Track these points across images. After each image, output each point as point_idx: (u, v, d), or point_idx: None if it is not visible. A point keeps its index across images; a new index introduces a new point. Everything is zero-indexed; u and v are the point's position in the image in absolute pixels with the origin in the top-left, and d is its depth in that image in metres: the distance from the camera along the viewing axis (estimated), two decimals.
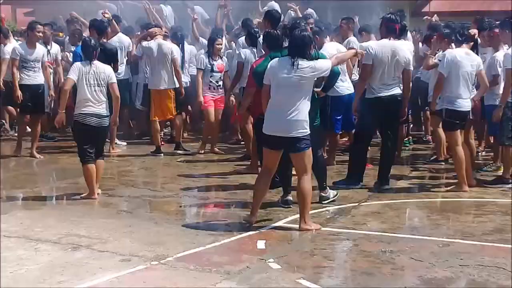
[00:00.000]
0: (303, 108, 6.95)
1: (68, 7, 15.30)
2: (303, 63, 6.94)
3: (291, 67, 6.94)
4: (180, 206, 8.36)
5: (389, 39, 8.97)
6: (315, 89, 7.40)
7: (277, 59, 7.21)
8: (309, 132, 7.01)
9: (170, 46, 11.65)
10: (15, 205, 8.42)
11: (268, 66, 7.20)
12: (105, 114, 8.42)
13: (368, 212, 7.98)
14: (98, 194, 8.55)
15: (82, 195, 8.55)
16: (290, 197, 8.05)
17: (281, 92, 6.98)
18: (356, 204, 8.28)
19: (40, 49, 11.68)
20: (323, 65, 7.08)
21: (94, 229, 7.13)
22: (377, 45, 9.01)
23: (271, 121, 7.06)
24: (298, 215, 7.16)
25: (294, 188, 7.59)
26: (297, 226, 7.09)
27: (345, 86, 10.20)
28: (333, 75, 7.60)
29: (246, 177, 9.60)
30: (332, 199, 8.24)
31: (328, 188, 8.30)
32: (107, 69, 8.48)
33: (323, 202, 8.15)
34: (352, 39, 11.46)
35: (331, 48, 9.86)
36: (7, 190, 9.08)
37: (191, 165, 10.78)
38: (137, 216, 7.75)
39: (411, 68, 9.25)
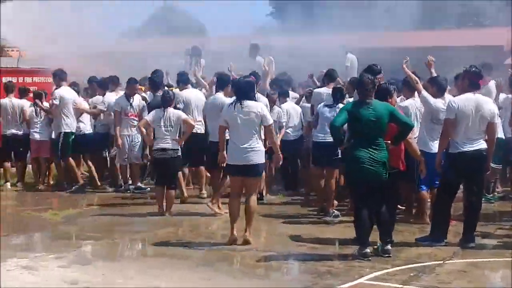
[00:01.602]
0: None
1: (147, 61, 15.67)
2: None
3: None
4: (258, 261, 8.24)
5: (474, 94, 8.77)
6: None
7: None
8: None
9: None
10: (95, 255, 8.49)
11: None
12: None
13: (453, 270, 7.72)
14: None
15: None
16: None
17: None
18: (441, 262, 8.02)
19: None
20: None
21: (174, 282, 7.11)
22: (460, 100, 8.80)
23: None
24: (381, 271, 7.07)
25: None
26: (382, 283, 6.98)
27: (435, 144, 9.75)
28: (407, 128, 8.09)
29: (326, 232, 9.47)
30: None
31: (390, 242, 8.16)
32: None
33: (384, 255, 8.05)
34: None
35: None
36: (86, 239, 9.20)
37: (270, 219, 10.67)
38: (217, 270, 7.69)
39: (497, 121, 9.03)
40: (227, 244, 8.74)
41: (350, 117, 8.01)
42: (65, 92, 13.10)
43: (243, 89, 8.89)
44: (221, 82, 11.06)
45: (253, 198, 8.87)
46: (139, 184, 12.98)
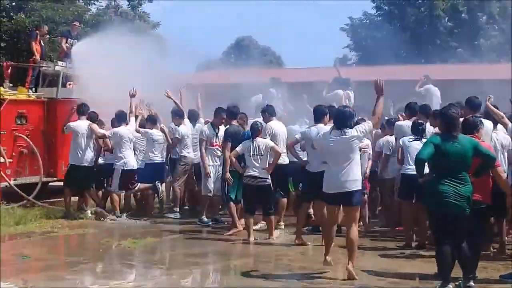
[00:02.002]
0: None
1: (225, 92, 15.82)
2: None
3: None
4: None
5: None
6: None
7: None
8: None
9: None
10: (173, 284, 8.50)
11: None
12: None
13: None
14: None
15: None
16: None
17: None
18: None
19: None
20: None
21: None
22: None
23: None
24: None
25: None
26: None
27: None
28: (489, 161, 8.03)
29: (405, 266, 9.27)
30: None
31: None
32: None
33: None
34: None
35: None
36: (163, 268, 9.22)
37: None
38: None
39: None
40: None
41: (435, 151, 7.87)
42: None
43: (342, 117, 8.82)
44: (319, 113, 11.03)
45: (354, 229, 8.68)
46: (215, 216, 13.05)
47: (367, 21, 42.89)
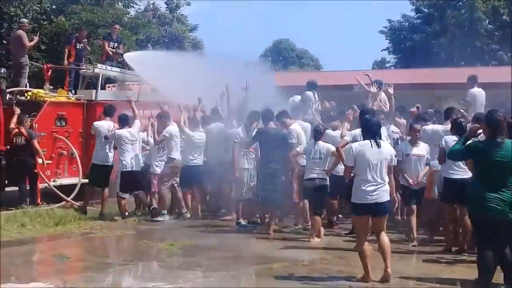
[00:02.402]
0: None
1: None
2: None
3: None
4: None
5: None
6: None
7: None
8: None
9: None
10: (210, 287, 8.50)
11: None
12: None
13: None
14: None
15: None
16: None
17: None
18: None
19: None
20: None
21: None
22: None
23: None
24: None
25: None
26: None
27: None
28: None
29: (446, 271, 9.13)
30: None
31: None
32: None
33: None
34: None
35: None
36: (201, 271, 9.22)
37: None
38: None
39: None
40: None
41: (479, 156, 7.80)
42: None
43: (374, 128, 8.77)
44: None
45: (383, 234, 8.70)
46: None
47: (407, 23, 42.54)
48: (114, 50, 17.84)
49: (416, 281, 8.75)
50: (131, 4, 28.39)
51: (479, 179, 7.84)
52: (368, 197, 8.48)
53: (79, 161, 15.06)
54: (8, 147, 14.14)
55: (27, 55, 16.79)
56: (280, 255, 10.16)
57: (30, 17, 22.33)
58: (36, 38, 17.73)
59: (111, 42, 17.99)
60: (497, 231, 7.72)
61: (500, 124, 7.84)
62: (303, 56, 54.86)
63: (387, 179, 8.57)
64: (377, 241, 8.68)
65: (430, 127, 11.99)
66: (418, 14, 42.02)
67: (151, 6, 34.54)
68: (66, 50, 17.45)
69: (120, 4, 27.66)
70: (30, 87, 16.31)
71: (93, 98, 16.01)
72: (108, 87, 17.74)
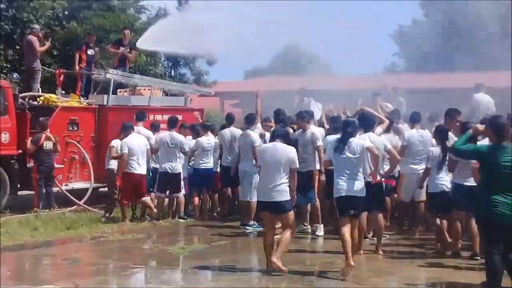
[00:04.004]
0: None
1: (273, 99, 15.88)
2: None
3: None
4: None
5: None
6: None
7: None
8: None
9: None
10: None
11: None
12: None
13: None
14: None
15: None
16: None
17: None
18: None
19: None
20: None
21: None
22: None
23: None
24: None
25: None
26: None
27: None
28: None
29: (454, 275, 9.18)
30: None
31: None
32: None
33: None
34: None
35: None
36: (210, 274, 9.30)
37: (394, 260, 10.45)
38: None
39: None
40: None
41: (486, 161, 7.86)
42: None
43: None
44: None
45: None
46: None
47: (416, 29, 42.51)
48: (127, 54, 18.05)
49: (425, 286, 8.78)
50: (143, 10, 28.54)
51: (485, 183, 7.89)
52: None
53: (91, 165, 15.18)
54: (20, 151, 14.30)
55: (39, 60, 16.93)
56: (292, 259, 10.15)
57: (42, 23, 22.46)
58: (47, 44, 17.89)
59: (121, 47, 18.15)
60: (504, 235, 7.77)
61: (505, 129, 7.88)
62: (314, 61, 54.77)
63: None
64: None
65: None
66: (427, 19, 41.92)
67: (162, 11, 34.68)
68: (77, 55, 17.61)
69: (131, 9, 27.81)
70: (42, 92, 16.45)
71: (105, 103, 16.12)
72: (120, 92, 17.88)
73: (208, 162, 14.03)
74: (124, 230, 12.69)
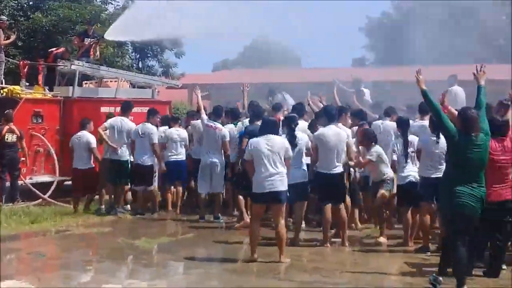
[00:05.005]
0: None
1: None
2: None
3: None
4: None
5: None
6: None
7: None
8: None
9: None
10: (187, 284, 8.44)
11: None
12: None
13: None
14: None
15: None
16: None
17: None
18: None
19: None
20: None
21: None
22: None
23: None
24: None
25: None
26: None
27: None
28: None
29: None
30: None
31: None
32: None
33: None
34: None
35: None
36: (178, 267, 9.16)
37: (362, 254, 10.40)
38: None
39: None
40: None
41: (455, 148, 7.83)
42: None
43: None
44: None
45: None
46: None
47: (386, 21, 42.71)
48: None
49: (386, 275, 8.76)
50: (109, 1, 28.21)
51: (452, 174, 7.91)
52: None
53: (56, 158, 14.94)
54: None
55: (3, 52, 16.62)
56: (259, 251, 10.09)
57: (7, 13, 22.11)
58: (13, 37, 17.57)
59: (86, 39, 17.92)
60: (469, 226, 7.82)
61: (474, 121, 7.87)
62: (284, 53, 54.84)
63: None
64: None
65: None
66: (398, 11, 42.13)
67: (130, 3, 34.36)
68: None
69: (98, 0, 27.49)
70: (6, 83, 16.16)
71: (70, 95, 15.87)
72: (85, 84, 17.64)
73: (179, 154, 13.87)
74: (89, 223, 12.51)
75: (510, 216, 8.73)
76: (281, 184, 9.39)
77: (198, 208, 13.36)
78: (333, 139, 10.56)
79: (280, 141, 9.60)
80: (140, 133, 13.54)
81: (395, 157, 10.82)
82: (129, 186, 13.98)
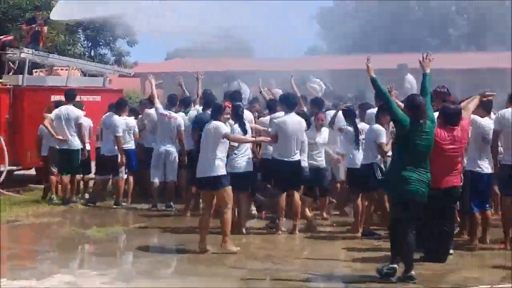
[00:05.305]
0: None
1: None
2: None
3: None
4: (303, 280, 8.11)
5: None
6: None
7: None
8: None
9: None
10: (138, 272, 8.48)
11: None
12: None
13: None
14: None
15: None
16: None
17: None
18: (488, 286, 7.77)
19: None
20: None
21: None
22: None
23: None
24: None
25: None
26: None
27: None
28: None
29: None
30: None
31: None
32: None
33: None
34: None
35: None
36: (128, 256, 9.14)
37: (313, 241, 10.49)
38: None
39: None
40: None
41: (404, 134, 7.96)
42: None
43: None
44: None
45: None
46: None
47: (338, 10, 42.93)
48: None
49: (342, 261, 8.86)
50: None
51: (400, 160, 8.04)
52: None
53: (5, 148, 14.70)
54: None
55: None
56: (213, 240, 10.09)
57: None
58: None
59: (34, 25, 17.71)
60: (416, 211, 7.99)
61: (423, 108, 7.99)
62: (237, 43, 54.71)
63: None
64: None
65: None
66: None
67: None
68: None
69: None
70: None
71: (20, 84, 15.64)
72: (35, 72, 17.40)
73: (127, 143, 13.74)
74: (39, 213, 12.36)
75: (455, 202, 8.98)
76: (215, 169, 9.33)
77: (151, 197, 13.31)
78: (293, 127, 10.63)
79: (215, 125, 9.52)
80: (105, 124, 13.45)
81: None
82: (81, 176, 13.86)
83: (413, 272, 7.85)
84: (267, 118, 12.12)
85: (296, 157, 10.71)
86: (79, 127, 13.46)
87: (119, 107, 13.77)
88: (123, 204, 13.27)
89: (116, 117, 13.45)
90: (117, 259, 9.28)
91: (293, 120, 10.73)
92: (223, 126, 9.57)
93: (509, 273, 8.21)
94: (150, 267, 8.72)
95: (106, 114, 13.67)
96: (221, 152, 9.42)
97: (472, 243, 9.62)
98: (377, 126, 10.26)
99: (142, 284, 7.92)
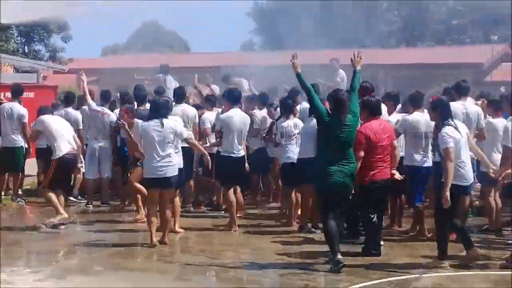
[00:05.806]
0: None
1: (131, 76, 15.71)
2: None
3: None
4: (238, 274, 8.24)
5: None
6: None
7: None
8: None
9: None
10: (72, 269, 8.48)
11: None
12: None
13: (432, 284, 7.84)
14: None
15: None
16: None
17: None
18: (417, 275, 8.06)
19: None
20: None
21: None
22: None
23: None
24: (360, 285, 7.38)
25: None
26: None
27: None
28: None
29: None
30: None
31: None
32: None
33: None
34: None
35: None
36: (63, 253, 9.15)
37: (248, 236, 10.58)
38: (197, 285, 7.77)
39: None
40: None
41: (326, 128, 8.27)
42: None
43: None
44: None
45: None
46: None
47: (271, 5, 43.06)
48: None
49: (277, 255, 9.05)
50: None
51: (323, 154, 8.40)
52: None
53: None
54: None
55: None
56: (146, 236, 10.10)
57: None
58: None
59: None
60: (339, 202, 8.36)
61: (344, 103, 8.29)
62: (172, 38, 54.52)
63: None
64: None
65: None
66: None
67: None
68: None
69: None
70: None
71: None
72: None
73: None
74: None
75: (387, 194, 9.23)
76: (172, 169, 9.47)
77: (86, 194, 13.24)
78: (238, 122, 10.70)
79: (170, 124, 9.58)
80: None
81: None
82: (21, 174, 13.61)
83: (339, 256, 8.10)
84: (208, 113, 12.17)
85: (242, 152, 10.81)
86: (22, 125, 13.18)
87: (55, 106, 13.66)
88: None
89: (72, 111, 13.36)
90: (49, 256, 9.17)
91: (238, 116, 10.80)
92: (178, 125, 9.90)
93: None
94: (84, 263, 8.73)
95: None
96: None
97: (420, 235, 9.96)
98: None
99: (76, 280, 7.91)
